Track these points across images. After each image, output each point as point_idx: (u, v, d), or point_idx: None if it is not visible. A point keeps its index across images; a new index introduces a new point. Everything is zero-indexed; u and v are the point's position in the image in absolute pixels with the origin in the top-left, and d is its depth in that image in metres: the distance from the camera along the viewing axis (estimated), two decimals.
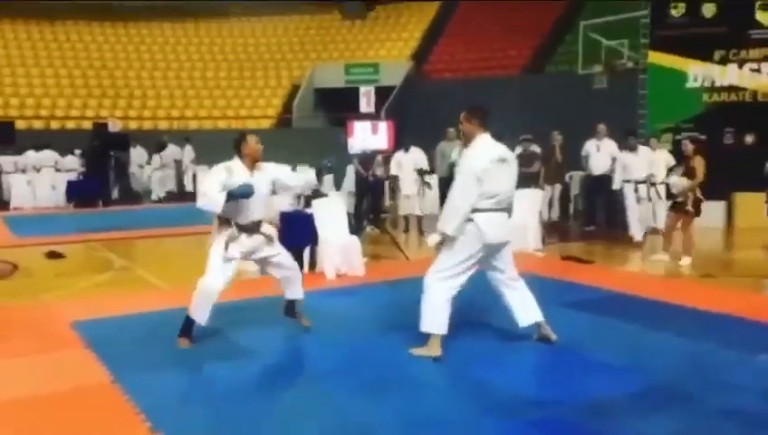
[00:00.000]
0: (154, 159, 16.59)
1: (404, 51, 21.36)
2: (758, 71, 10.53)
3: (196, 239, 10.76)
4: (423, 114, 15.93)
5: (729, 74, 10.70)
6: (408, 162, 10.94)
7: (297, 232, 7.50)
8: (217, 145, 18.50)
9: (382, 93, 17.80)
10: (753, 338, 4.93)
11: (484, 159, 4.43)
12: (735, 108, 10.59)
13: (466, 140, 4.61)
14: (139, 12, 23.54)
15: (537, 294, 4.81)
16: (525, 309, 4.71)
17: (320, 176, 5.45)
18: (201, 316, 4.75)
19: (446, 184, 11.05)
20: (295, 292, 5.16)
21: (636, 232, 9.65)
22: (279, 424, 3.59)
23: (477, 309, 5.32)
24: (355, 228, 8.27)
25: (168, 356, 4.65)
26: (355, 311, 5.96)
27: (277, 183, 4.96)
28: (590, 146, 10.56)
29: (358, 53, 21.89)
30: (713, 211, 10.32)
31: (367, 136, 11.69)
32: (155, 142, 16.80)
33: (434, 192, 11.46)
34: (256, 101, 20.93)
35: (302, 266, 7.52)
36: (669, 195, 8.14)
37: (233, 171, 4.71)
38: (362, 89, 15.64)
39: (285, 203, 7.82)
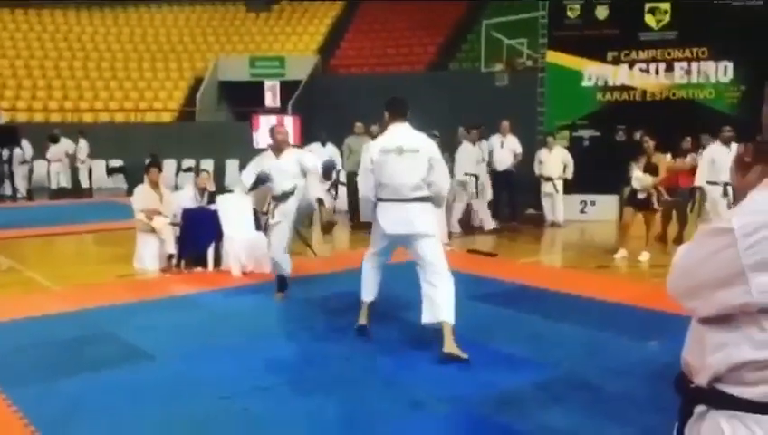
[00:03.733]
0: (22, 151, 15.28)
1: (310, 45, 21.18)
2: (647, 71, 11.12)
3: (93, 237, 10.27)
4: (330, 109, 15.85)
5: (621, 74, 11.24)
6: (324, 156, 10.80)
7: (201, 229, 7.29)
8: (115, 138, 17.85)
9: (288, 88, 17.58)
10: (644, 325, 5.20)
11: (374, 150, 4.53)
12: (626, 106, 11.13)
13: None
14: None
15: None
16: (431, 307, 4.39)
17: (328, 174, 6.06)
18: (282, 268, 5.94)
19: (353, 179, 11.04)
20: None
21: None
22: (180, 433, 3.45)
23: (393, 303, 5.34)
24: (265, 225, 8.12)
25: (61, 363, 4.39)
26: (261, 309, 5.84)
27: (301, 164, 5.83)
28: (494, 142, 10.82)
29: (263, 45, 21.50)
30: (606, 204, 10.86)
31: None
32: (47, 135, 15.83)
33: (342, 188, 11.41)
34: (157, 94, 20.15)
35: (205, 265, 7.33)
36: (631, 191, 8.12)
37: (263, 158, 6.06)
38: (267, 83, 15.38)
39: (188, 199, 7.56)
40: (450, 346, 4.29)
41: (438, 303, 4.36)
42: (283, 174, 5.85)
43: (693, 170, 8.92)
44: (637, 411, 3.60)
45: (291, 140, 6.68)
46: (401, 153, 4.41)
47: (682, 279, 1.37)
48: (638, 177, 7.91)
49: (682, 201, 8.96)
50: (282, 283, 6.07)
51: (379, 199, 4.55)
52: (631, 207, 8.14)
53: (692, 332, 1.40)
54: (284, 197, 5.85)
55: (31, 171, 15.81)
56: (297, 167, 5.85)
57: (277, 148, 5.99)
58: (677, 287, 1.38)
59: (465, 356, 4.27)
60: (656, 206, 8.01)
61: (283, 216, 5.86)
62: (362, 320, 4.86)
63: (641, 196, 7.92)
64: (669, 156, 8.78)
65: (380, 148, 4.51)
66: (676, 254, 1.43)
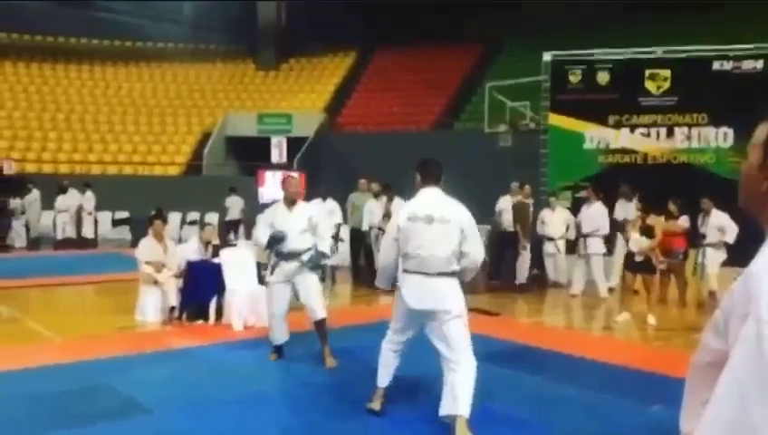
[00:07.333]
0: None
1: (317, 103, 21.61)
2: (647, 135, 11.30)
3: (96, 288, 10.28)
4: (335, 166, 16.07)
5: (622, 137, 11.41)
6: (324, 211, 10.90)
7: (204, 282, 7.31)
8: (122, 191, 18.03)
9: (295, 144, 17.86)
10: (647, 389, 5.15)
11: (402, 217, 4.18)
12: (628, 169, 11.26)
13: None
14: (43, 51, 22.77)
15: None
16: (451, 399, 4.03)
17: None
18: (276, 338, 5.78)
19: (356, 235, 11.11)
20: (315, 315, 5.64)
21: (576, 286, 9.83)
22: None
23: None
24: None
25: (57, 415, 4.36)
26: (261, 365, 5.80)
27: (310, 221, 5.67)
28: (504, 202, 10.85)
29: (271, 103, 21.95)
30: (609, 266, 10.82)
31: (278, 186, 11.60)
32: (56, 186, 16.02)
33: (345, 243, 11.45)
34: (165, 148, 20.47)
35: (207, 318, 7.33)
36: (628, 254, 8.13)
37: (276, 212, 5.76)
38: (274, 139, 15.62)
39: (192, 252, 7.60)
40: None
41: (457, 394, 4.00)
42: (294, 227, 5.59)
43: (686, 232, 8.97)
44: None
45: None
46: (431, 222, 4.04)
47: None
48: (636, 239, 7.93)
49: (678, 263, 8.95)
50: (278, 347, 5.86)
51: (404, 271, 4.17)
52: (630, 271, 8.13)
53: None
54: (290, 256, 5.60)
55: (27, 222, 15.82)
56: (307, 221, 5.65)
57: (289, 200, 5.73)
58: None
59: None
60: (658, 266, 8.02)
61: (285, 276, 5.61)
62: (375, 405, 4.46)
63: (639, 258, 7.94)
64: (663, 218, 8.84)
65: (408, 215, 4.12)
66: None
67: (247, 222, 15.77)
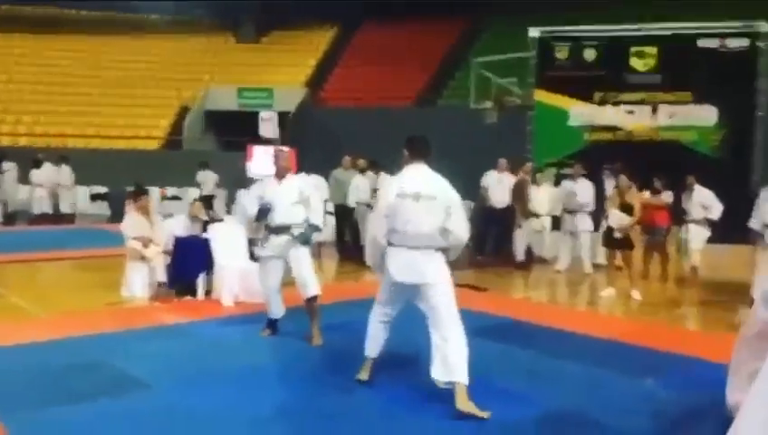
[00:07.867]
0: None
1: (298, 77, 21.38)
2: (632, 112, 11.35)
3: (77, 264, 10.13)
4: (317, 141, 15.95)
5: (607, 115, 11.45)
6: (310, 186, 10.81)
7: (192, 257, 7.24)
8: (99, 165, 17.72)
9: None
10: (638, 362, 5.23)
11: (390, 193, 4.25)
12: (612, 146, 11.32)
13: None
14: (14, 21, 22.18)
15: None
16: (443, 363, 4.09)
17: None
18: (273, 312, 5.79)
19: (341, 211, 11.06)
20: (307, 291, 5.58)
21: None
22: None
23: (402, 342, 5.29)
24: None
25: (56, 391, 4.31)
26: (253, 340, 5.77)
27: (301, 194, 5.66)
28: (491, 178, 10.86)
29: (251, 77, 21.65)
30: (593, 242, 10.93)
31: (268, 161, 11.49)
32: (30, 160, 15.69)
33: (330, 220, 11.39)
34: (144, 121, 20.14)
35: (195, 293, 7.27)
36: (608, 230, 8.14)
37: (265, 184, 5.79)
38: (264, 113, 15.39)
39: (180, 227, 7.52)
40: (465, 404, 4.00)
41: (451, 361, 4.04)
42: (284, 200, 5.57)
43: (669, 208, 9.07)
44: None
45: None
46: (418, 199, 4.13)
47: None
48: (616, 215, 7.99)
49: (660, 239, 9.08)
50: (272, 323, 5.88)
51: (390, 244, 4.25)
52: (609, 247, 8.21)
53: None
54: (280, 230, 5.57)
55: (3, 197, 15.49)
56: (298, 194, 5.63)
57: (279, 173, 5.74)
58: None
59: (484, 415, 3.95)
60: (633, 243, 8.09)
61: (277, 250, 5.59)
62: (364, 375, 4.55)
63: (618, 235, 8.01)
64: (648, 194, 8.92)
65: (397, 192, 4.20)
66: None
67: (226, 197, 15.66)
